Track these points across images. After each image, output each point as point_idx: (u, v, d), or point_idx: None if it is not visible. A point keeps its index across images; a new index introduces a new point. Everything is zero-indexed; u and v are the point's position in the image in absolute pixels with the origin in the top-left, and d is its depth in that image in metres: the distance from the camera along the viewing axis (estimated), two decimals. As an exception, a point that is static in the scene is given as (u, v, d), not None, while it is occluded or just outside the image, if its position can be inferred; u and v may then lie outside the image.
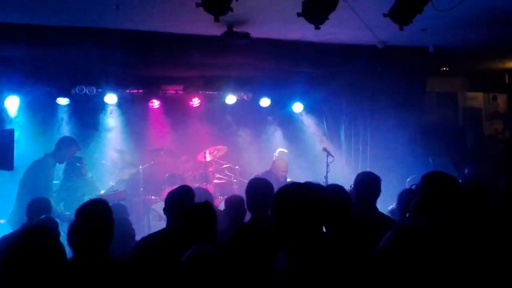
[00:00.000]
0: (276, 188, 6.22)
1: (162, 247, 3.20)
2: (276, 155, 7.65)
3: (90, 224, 2.96)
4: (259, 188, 3.69)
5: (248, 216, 3.68)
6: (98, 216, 3.03)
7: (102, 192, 6.80)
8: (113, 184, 7.26)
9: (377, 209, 3.66)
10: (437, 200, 2.51)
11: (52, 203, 5.06)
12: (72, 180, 6.39)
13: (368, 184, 3.68)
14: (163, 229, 3.49)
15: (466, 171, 6.52)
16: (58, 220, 4.56)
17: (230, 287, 2.44)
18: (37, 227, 3.69)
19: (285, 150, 7.97)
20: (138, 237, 3.86)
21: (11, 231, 4.73)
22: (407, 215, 3.31)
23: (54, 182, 6.29)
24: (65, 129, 7.31)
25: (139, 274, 2.90)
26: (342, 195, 3.08)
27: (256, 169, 7.68)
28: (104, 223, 3.01)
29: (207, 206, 3.23)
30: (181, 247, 2.78)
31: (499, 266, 2.29)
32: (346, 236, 2.69)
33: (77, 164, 6.53)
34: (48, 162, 5.96)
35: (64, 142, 6.19)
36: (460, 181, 3.20)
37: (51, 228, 3.59)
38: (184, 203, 3.42)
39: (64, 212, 5.76)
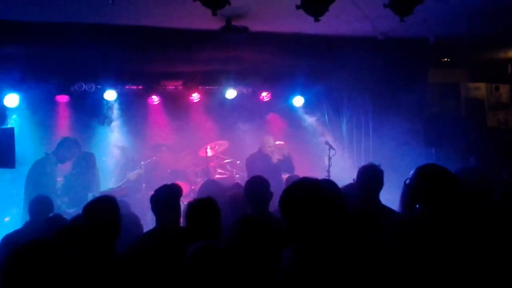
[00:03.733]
0: (267, 168, 6.25)
1: (154, 247, 3.20)
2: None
3: (96, 221, 2.95)
4: (256, 185, 3.69)
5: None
6: (106, 213, 3.03)
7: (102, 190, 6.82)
8: (120, 184, 7.28)
9: (380, 201, 3.63)
10: (429, 193, 2.49)
11: (55, 200, 5.06)
12: (79, 176, 6.41)
13: (371, 177, 3.65)
14: (153, 229, 3.53)
15: (472, 160, 6.47)
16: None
17: (232, 282, 2.43)
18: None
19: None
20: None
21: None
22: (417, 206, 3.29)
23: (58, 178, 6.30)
24: (65, 127, 7.30)
25: (140, 271, 2.89)
26: (335, 190, 3.06)
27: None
28: (111, 220, 3.01)
29: (210, 202, 3.22)
30: (174, 244, 2.79)
31: (495, 260, 2.25)
32: (347, 230, 2.67)
33: (82, 160, 6.54)
34: (50, 161, 6.01)
35: (66, 143, 6.21)
36: (463, 172, 3.16)
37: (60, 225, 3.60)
38: (169, 202, 3.47)
39: (65, 208, 5.76)
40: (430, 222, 2.31)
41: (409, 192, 2.62)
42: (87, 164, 6.60)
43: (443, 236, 2.25)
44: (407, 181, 2.66)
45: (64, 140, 6.30)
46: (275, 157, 7.02)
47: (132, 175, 7.44)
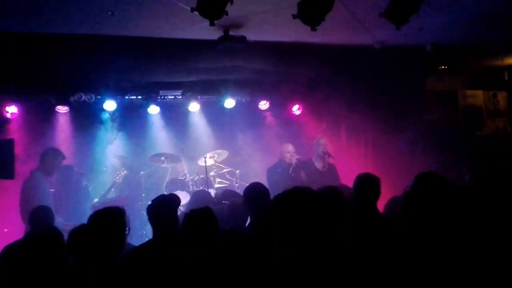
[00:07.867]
0: (286, 179, 6.09)
1: (150, 258, 3.18)
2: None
3: (103, 233, 2.94)
4: (255, 192, 3.70)
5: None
6: (113, 226, 3.03)
7: (95, 200, 6.81)
8: (112, 190, 7.26)
9: (377, 210, 3.65)
10: (429, 200, 2.51)
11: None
12: (64, 188, 6.38)
13: (367, 186, 3.67)
14: (150, 239, 3.54)
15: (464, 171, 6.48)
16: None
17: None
18: (41, 235, 3.70)
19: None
20: (138, 243, 3.86)
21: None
22: None
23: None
24: (64, 137, 7.30)
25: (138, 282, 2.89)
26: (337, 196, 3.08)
27: (257, 172, 7.66)
28: (117, 233, 3.00)
29: (208, 212, 3.22)
30: (170, 254, 2.79)
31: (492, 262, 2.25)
32: (348, 233, 2.68)
33: (64, 172, 6.52)
34: (37, 177, 5.89)
35: (49, 154, 6.12)
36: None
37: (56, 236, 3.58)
38: (166, 212, 3.47)
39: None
40: (431, 232, 2.32)
41: (410, 200, 2.65)
42: (68, 176, 6.55)
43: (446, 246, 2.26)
44: (407, 189, 2.68)
45: (47, 152, 6.16)
46: (287, 156, 6.86)
47: (118, 178, 7.38)
